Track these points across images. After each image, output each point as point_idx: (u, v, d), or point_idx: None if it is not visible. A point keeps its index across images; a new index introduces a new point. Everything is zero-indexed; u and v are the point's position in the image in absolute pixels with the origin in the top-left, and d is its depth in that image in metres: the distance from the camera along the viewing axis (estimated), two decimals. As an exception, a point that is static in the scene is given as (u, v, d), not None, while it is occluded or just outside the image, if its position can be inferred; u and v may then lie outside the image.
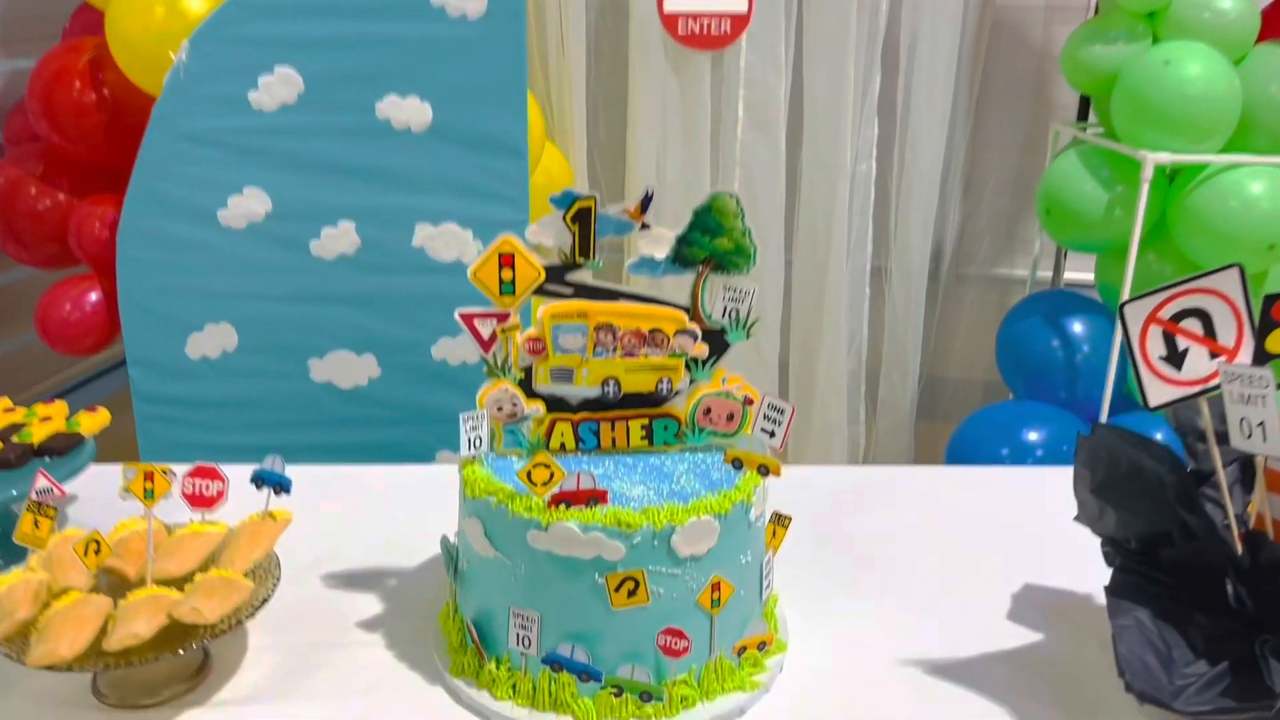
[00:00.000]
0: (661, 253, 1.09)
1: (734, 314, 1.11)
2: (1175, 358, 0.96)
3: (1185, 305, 0.95)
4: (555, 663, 1.01)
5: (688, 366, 1.12)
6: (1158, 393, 0.96)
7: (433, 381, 2.04)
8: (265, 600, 1.06)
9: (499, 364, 1.10)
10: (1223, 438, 0.95)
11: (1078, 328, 2.40)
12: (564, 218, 1.07)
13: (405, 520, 1.36)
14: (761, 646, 1.08)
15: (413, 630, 1.16)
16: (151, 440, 2.06)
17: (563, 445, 1.12)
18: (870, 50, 2.63)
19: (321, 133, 1.93)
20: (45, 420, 1.32)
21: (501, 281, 1.08)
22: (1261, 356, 0.91)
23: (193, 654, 1.05)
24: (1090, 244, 2.44)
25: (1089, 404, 2.36)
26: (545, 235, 1.08)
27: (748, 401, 1.11)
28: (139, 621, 0.98)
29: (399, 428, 2.08)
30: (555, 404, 1.12)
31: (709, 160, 2.65)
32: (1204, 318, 0.94)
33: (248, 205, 1.95)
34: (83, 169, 2.23)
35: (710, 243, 1.08)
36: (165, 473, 1.07)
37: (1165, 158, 2.12)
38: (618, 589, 0.98)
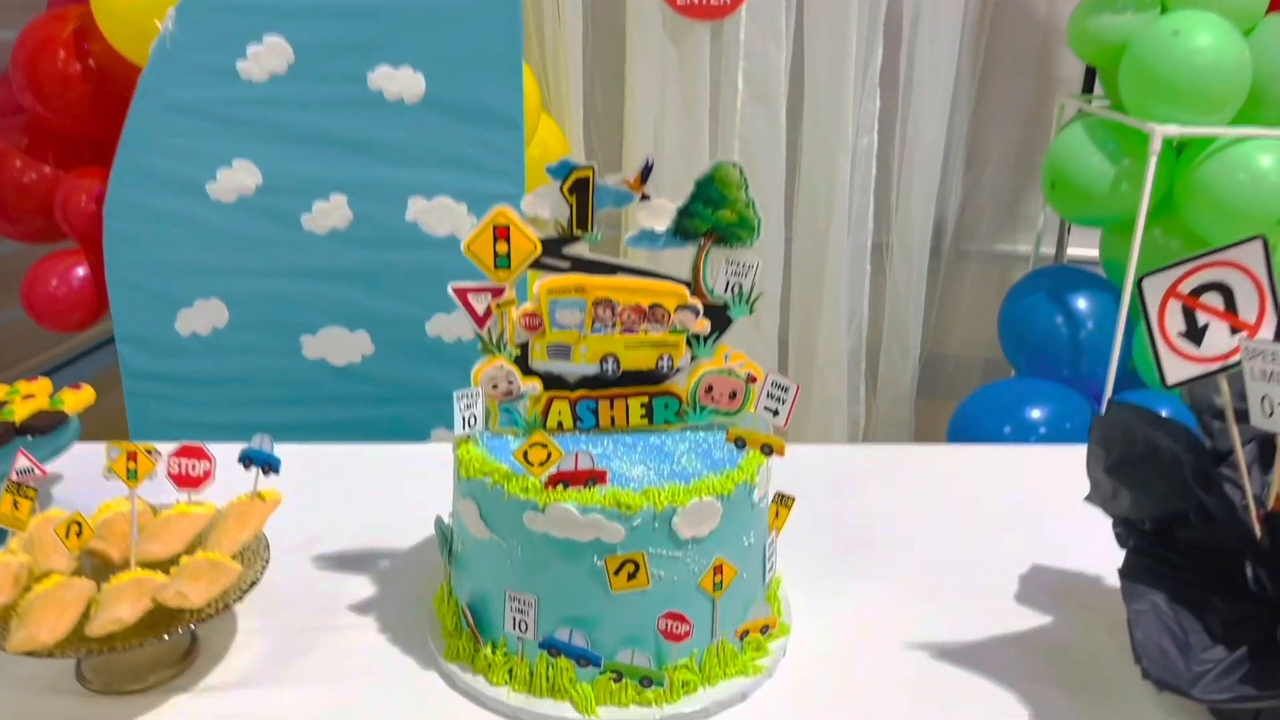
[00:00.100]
0: (662, 225, 1.05)
1: (737, 288, 1.07)
2: (1194, 333, 0.92)
3: (1206, 279, 0.91)
4: (553, 647, 0.98)
5: (689, 343, 1.08)
6: (1176, 370, 0.93)
7: (427, 358, 2.01)
8: (254, 583, 1.03)
9: (494, 340, 1.06)
10: (1241, 416, 0.92)
11: (1082, 304, 2.37)
12: (561, 188, 1.03)
13: (398, 500, 1.32)
14: (764, 630, 1.06)
15: (406, 614, 1.13)
16: (141, 418, 2.03)
17: (560, 424, 1.09)
18: (872, 22, 2.59)
19: (312, 104, 1.90)
20: (28, 398, 1.29)
21: (496, 255, 1.04)
22: (1284, 332, 0.88)
23: (179, 639, 1.02)
24: (1096, 218, 2.40)
25: (1093, 381, 2.33)
26: (541, 207, 1.04)
27: (750, 379, 1.08)
28: (122, 606, 0.95)
29: (393, 405, 2.05)
30: (552, 382, 1.08)
31: (708, 133, 2.61)
32: (1225, 292, 0.91)
33: (237, 178, 1.91)
34: (68, 141, 2.19)
35: (713, 215, 1.04)
36: (150, 452, 1.03)
37: (1173, 130, 2.08)
38: (617, 572, 0.95)
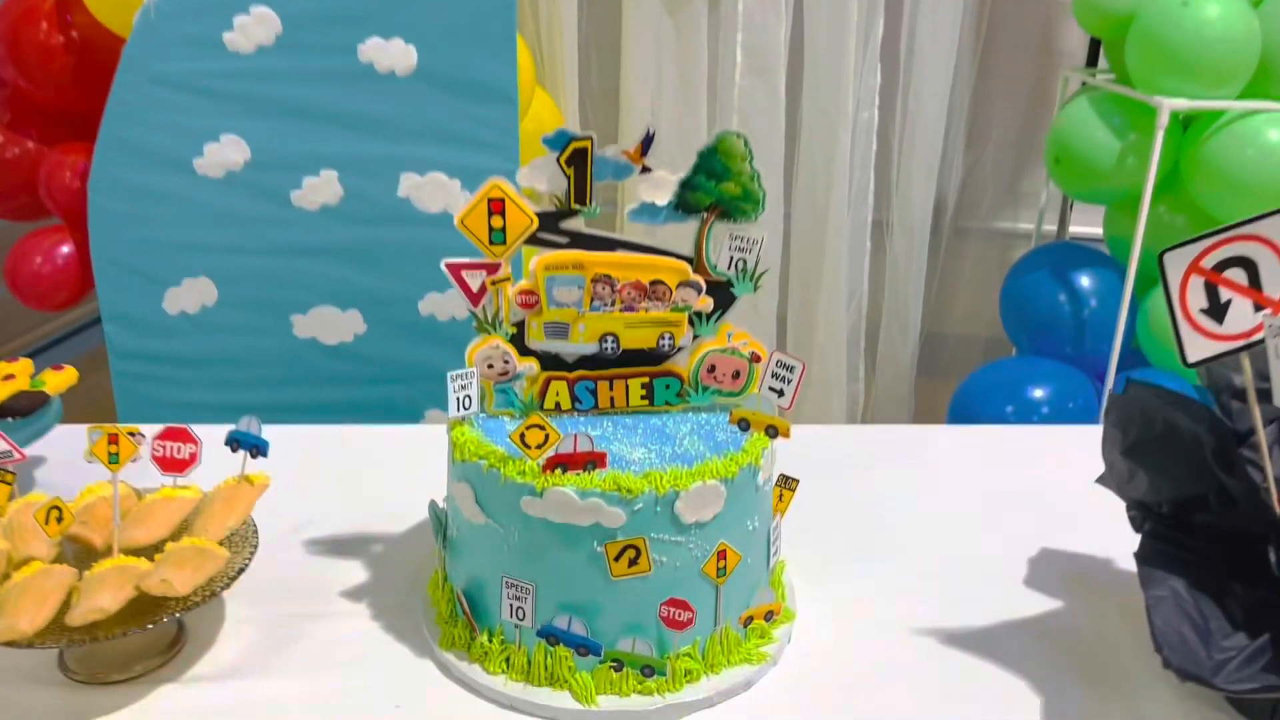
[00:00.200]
0: (663, 199, 1.01)
1: (741, 264, 1.03)
2: (1216, 310, 0.89)
3: (1229, 254, 0.88)
4: (551, 635, 0.95)
5: (691, 321, 1.05)
6: (1197, 348, 0.90)
7: (420, 338, 1.97)
8: (242, 570, 0.99)
9: (489, 319, 1.02)
10: (1263, 396, 0.89)
11: (1085, 281, 2.34)
12: (558, 160, 0.99)
13: (391, 484, 1.29)
14: (769, 616, 1.03)
15: (399, 600, 1.09)
16: (129, 399, 1.99)
17: (558, 405, 1.05)
18: (873, -8, 2.54)
19: (301, 77, 1.85)
20: (8, 379, 1.25)
21: (491, 230, 1.00)
22: (1311, 309, 0.85)
23: (164, 628, 0.98)
24: (1100, 194, 2.37)
25: (1096, 360, 2.31)
26: (538, 179, 1.00)
27: (754, 358, 1.04)
28: (104, 595, 0.91)
29: (385, 385, 2.01)
30: (550, 361, 1.04)
31: (705, 107, 2.57)
32: (1249, 267, 0.88)
33: (225, 153, 1.86)
34: (52, 115, 2.15)
35: (716, 187, 1.00)
36: (133, 435, 1.00)
37: (1182, 104, 2.04)
38: (618, 558, 0.92)
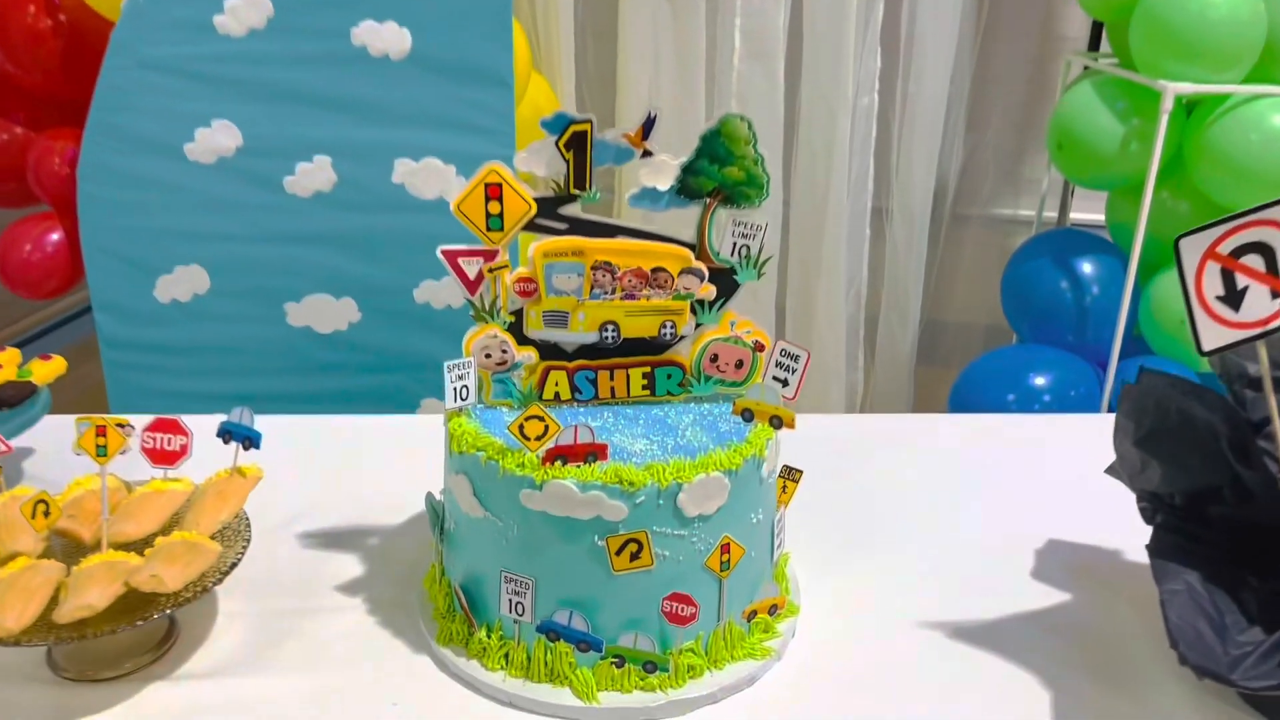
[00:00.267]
0: (665, 183, 0.99)
1: (744, 251, 1.01)
2: (1233, 297, 0.86)
3: (1246, 239, 0.85)
4: (551, 631, 0.93)
5: (693, 309, 1.02)
6: (1213, 336, 0.87)
7: (416, 326, 1.95)
8: (234, 565, 0.97)
9: (486, 307, 1.00)
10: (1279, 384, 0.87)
11: (1087, 268, 2.32)
12: (557, 144, 0.96)
13: (386, 475, 1.27)
14: (773, 610, 1.01)
15: (395, 595, 1.07)
16: (121, 389, 1.97)
17: (557, 395, 1.03)
18: (874, -24, 2.51)
19: (293, 61, 1.82)
20: (-5, 369, 1.23)
21: (488, 215, 0.97)
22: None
23: (154, 624, 0.96)
24: (1103, 180, 2.34)
25: (1098, 347, 2.28)
26: (536, 163, 0.97)
27: (758, 347, 1.02)
28: (92, 591, 0.89)
29: (380, 375, 1.99)
30: (549, 351, 1.02)
31: (703, 92, 2.54)
32: (1267, 253, 0.85)
33: (216, 139, 1.84)
34: (40, 100, 2.12)
35: (719, 172, 0.98)
36: (122, 426, 0.97)
37: (1186, 88, 2.02)
38: (619, 552, 0.90)
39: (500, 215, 0.97)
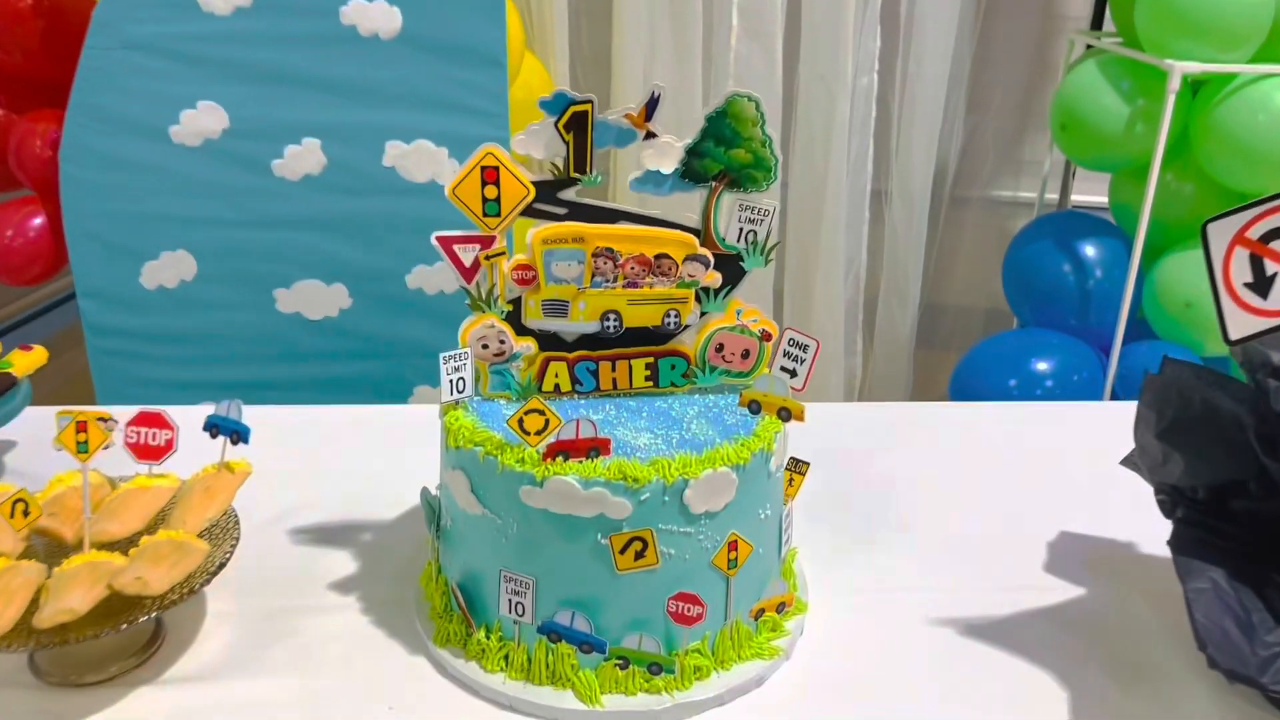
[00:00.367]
0: (669, 166, 0.95)
1: (751, 236, 0.97)
2: (1262, 284, 0.83)
3: (1277, 223, 0.82)
4: (553, 632, 0.90)
5: (698, 297, 0.99)
6: (1240, 324, 0.84)
7: (408, 312, 1.91)
8: (222, 565, 0.93)
9: (483, 296, 0.96)
10: (1307, 374, 0.84)
11: (1090, 251, 2.28)
12: (556, 125, 0.92)
13: (380, 468, 1.23)
14: (781, 608, 0.98)
15: (390, 593, 1.04)
16: (107, 377, 1.93)
17: (557, 387, 0.99)
18: (873, -47, 2.46)
19: (280, 40, 1.78)
20: (-28, 360, 1.19)
21: (485, 200, 0.93)
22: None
23: (140, 627, 0.92)
24: (1107, 162, 2.31)
25: (1101, 331, 2.25)
26: (535, 146, 0.93)
27: (765, 336, 0.99)
28: (74, 594, 0.85)
29: (372, 362, 1.95)
30: (548, 341, 0.98)
31: (700, 72, 2.50)
32: (1297, 238, 0.82)
33: (202, 121, 1.80)
34: (21, 82, 2.07)
35: (725, 154, 0.94)
36: (104, 421, 0.93)
37: (1194, 67, 1.98)
38: (623, 550, 0.86)
39: (497, 200, 0.93)
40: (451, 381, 0.93)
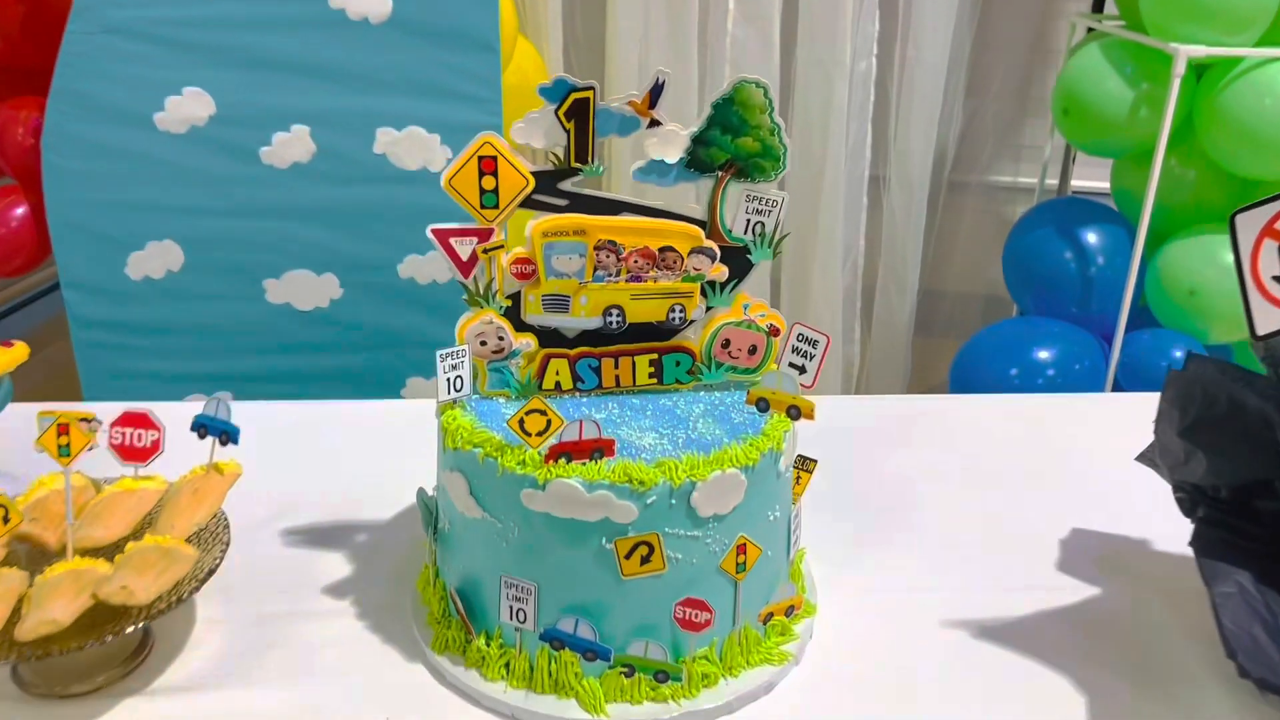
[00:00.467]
0: (673, 155, 0.92)
1: (759, 228, 0.94)
2: (1291, 277, 0.80)
3: (1307, 215, 0.79)
4: (556, 639, 0.87)
5: (704, 291, 0.95)
6: (1268, 319, 0.81)
7: (400, 302, 1.87)
8: (212, 571, 0.90)
9: (481, 291, 0.92)
10: (1336, 371, 0.81)
11: (1092, 238, 2.26)
12: (556, 113, 0.89)
13: (374, 465, 1.21)
14: (789, 612, 0.95)
15: (387, 597, 1.01)
16: (92, 369, 1.89)
17: (557, 385, 0.96)
18: (871, -65, 2.42)
19: (268, 25, 1.74)
20: (-49, 357, 1.14)
21: (482, 192, 0.90)
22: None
23: (125, 638, 0.89)
24: (1110, 147, 2.28)
25: (1103, 319, 2.23)
26: (534, 134, 0.90)
27: (773, 332, 0.96)
28: (56, 604, 0.82)
29: (364, 353, 1.92)
30: (548, 337, 0.95)
31: (696, 57, 2.46)
32: (1329, 230, 0.79)
33: (188, 108, 1.76)
34: (1, 68, 2.00)
35: (732, 143, 0.90)
36: (87, 421, 0.90)
37: (1199, 50, 1.95)
38: (629, 555, 0.83)
39: (495, 191, 0.90)
40: (449, 380, 0.89)
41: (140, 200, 1.79)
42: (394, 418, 1.36)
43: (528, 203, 0.92)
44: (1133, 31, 2.15)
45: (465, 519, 0.89)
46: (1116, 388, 2.20)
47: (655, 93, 0.88)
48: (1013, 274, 2.43)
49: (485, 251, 0.91)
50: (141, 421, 0.92)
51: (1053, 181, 2.70)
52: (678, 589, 0.86)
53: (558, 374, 0.95)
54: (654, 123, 0.90)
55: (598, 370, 0.96)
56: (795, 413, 0.90)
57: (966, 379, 2.30)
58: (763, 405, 0.90)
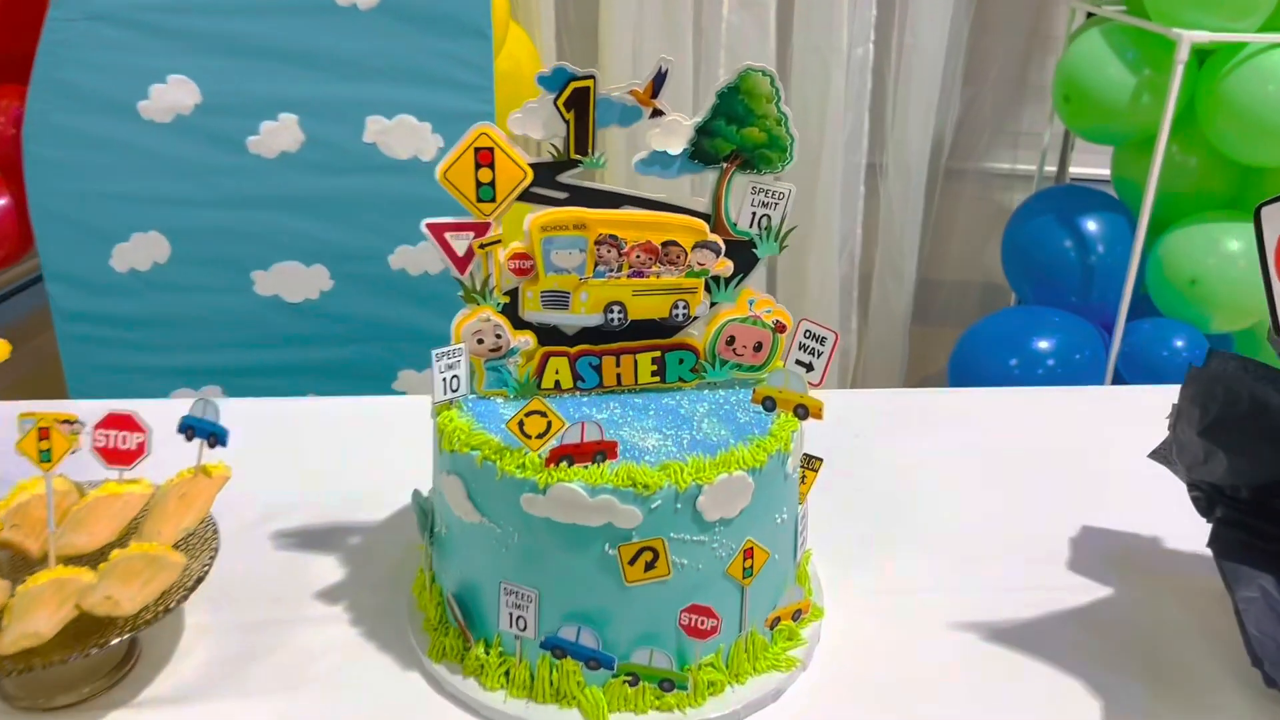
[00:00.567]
0: (677, 146, 0.88)
1: (764, 221, 0.91)
2: (1316, 272, 0.78)
3: (1334, 207, 0.77)
4: (557, 647, 0.84)
5: (708, 287, 0.92)
6: (1293, 316, 0.79)
7: (391, 294, 1.84)
8: (200, 579, 0.87)
9: (477, 287, 0.89)
10: (1360, 368, 0.79)
11: (1091, 226, 2.24)
12: (555, 103, 0.85)
13: (367, 466, 1.18)
14: (797, 615, 0.92)
15: (381, 602, 0.98)
16: (78, 363, 1.85)
17: (557, 384, 0.93)
18: (869, -80, 2.39)
19: (255, 11, 1.71)
20: (-71, 355, 1.11)
21: (479, 184, 0.86)
22: None
23: (110, 650, 0.86)
24: (1110, 134, 2.25)
25: (1103, 308, 2.21)
26: (532, 125, 0.86)
27: (779, 328, 0.93)
28: (38, 616, 0.79)
29: (355, 345, 1.89)
30: (547, 335, 0.92)
31: (691, 44, 2.42)
32: (1356, 223, 0.77)
33: (172, 96, 1.72)
34: (-20, 55, 1.96)
35: (738, 134, 0.87)
36: (69, 424, 0.86)
37: (1202, 36, 1.92)
38: (633, 561, 0.81)
39: (492, 184, 0.86)
40: (445, 380, 0.86)
41: (125, 191, 1.76)
42: (387, 414, 1.33)
43: (526, 196, 0.88)
44: (1134, 17, 2.12)
45: (463, 523, 0.86)
46: (1117, 377, 2.18)
47: (658, 82, 0.85)
48: (1012, 263, 2.41)
49: (482, 246, 0.88)
50: (126, 424, 0.88)
51: (1051, 169, 2.68)
52: (683, 595, 0.83)
53: (557, 373, 0.92)
54: (656, 113, 0.87)
55: (598, 369, 0.93)
56: (803, 412, 0.87)
57: (966, 369, 2.28)
58: (769, 404, 0.87)
